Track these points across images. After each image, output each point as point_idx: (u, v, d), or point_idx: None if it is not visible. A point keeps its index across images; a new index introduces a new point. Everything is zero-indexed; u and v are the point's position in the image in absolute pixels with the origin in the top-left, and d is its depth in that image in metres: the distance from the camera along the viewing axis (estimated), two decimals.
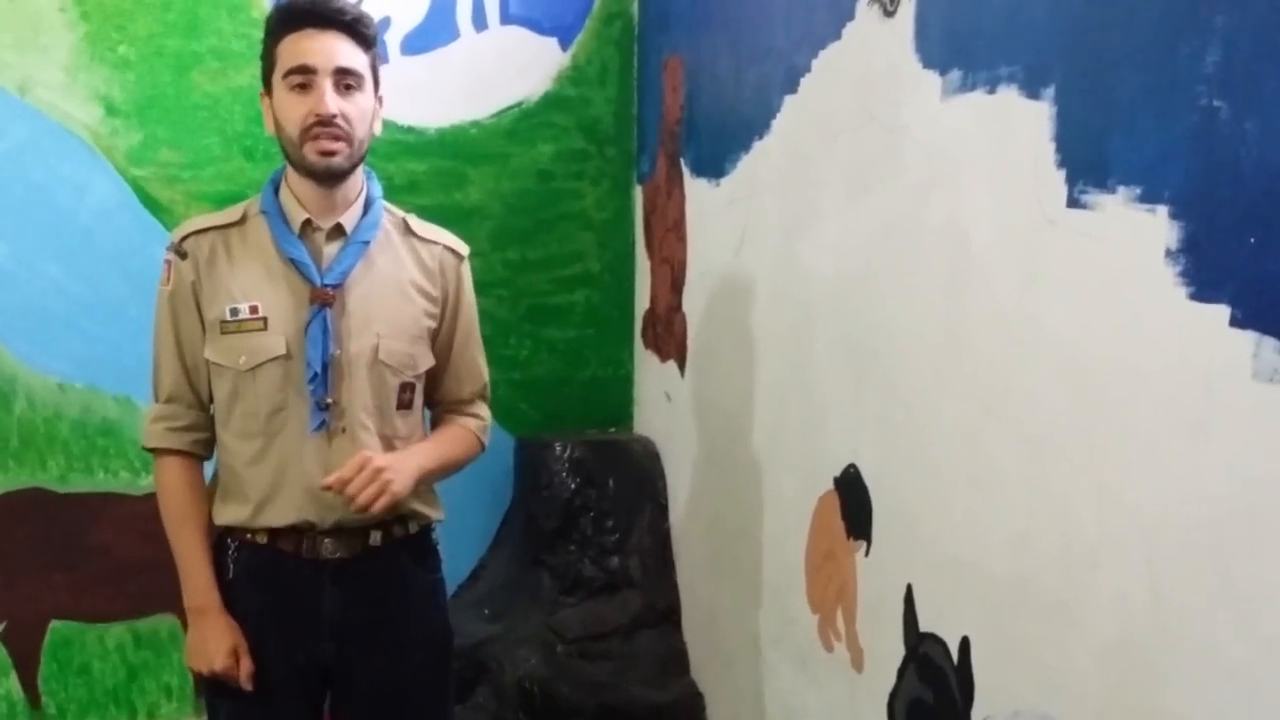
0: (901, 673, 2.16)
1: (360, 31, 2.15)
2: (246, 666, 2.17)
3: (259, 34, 2.21)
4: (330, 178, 2.16)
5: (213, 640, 2.17)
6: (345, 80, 2.12)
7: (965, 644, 1.93)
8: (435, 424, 2.43)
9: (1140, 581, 1.50)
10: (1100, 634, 1.59)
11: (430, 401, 2.41)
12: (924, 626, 2.08)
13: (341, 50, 2.12)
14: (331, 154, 2.12)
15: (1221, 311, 1.35)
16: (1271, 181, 1.28)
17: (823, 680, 2.51)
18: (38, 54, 3.19)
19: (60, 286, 3.26)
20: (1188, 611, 1.42)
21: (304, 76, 2.10)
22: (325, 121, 2.09)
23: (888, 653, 2.20)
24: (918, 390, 2.08)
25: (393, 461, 2.15)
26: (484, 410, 2.47)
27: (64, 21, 3.20)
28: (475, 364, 2.44)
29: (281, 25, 2.14)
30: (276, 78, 2.14)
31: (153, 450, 2.25)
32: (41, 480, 3.29)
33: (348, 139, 2.13)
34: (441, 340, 2.35)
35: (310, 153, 2.11)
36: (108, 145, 3.27)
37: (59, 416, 3.29)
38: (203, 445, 2.26)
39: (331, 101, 2.09)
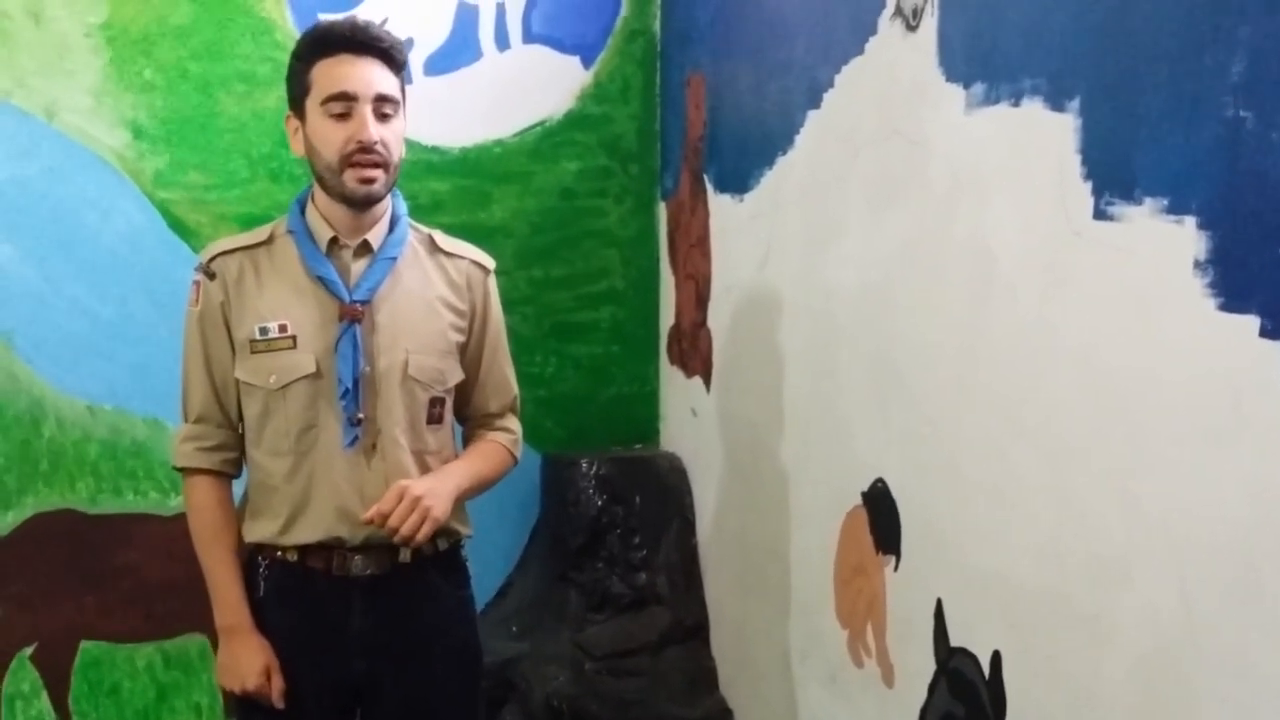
0: (932, 688, 2.15)
1: (395, 58, 2.18)
2: (278, 685, 2.18)
3: (283, 57, 2.22)
4: (367, 204, 2.18)
5: (245, 659, 2.18)
6: (383, 107, 2.14)
7: (996, 658, 1.92)
8: (467, 439, 2.44)
9: (1171, 593, 1.49)
10: (1132, 647, 1.58)
11: (460, 416, 2.42)
12: (955, 641, 2.07)
13: (380, 77, 2.14)
14: (371, 181, 2.13)
15: (1251, 322, 1.35)
16: None
17: (853, 696, 2.50)
18: (64, 79, 3.21)
19: (88, 309, 3.27)
20: (1219, 623, 1.41)
21: (345, 104, 2.11)
22: (367, 148, 2.11)
23: (918, 668, 2.19)
24: (944, 404, 2.08)
25: (431, 487, 2.16)
26: (514, 423, 2.47)
27: (90, 46, 3.22)
28: (504, 377, 2.44)
29: (317, 50, 2.15)
30: (312, 103, 2.15)
31: (182, 470, 2.27)
32: (71, 502, 3.30)
33: (386, 165, 2.15)
34: (470, 354, 2.36)
35: (350, 180, 2.13)
36: (134, 169, 3.29)
37: (88, 438, 3.30)
38: (232, 464, 2.28)
39: (374, 129, 2.11)
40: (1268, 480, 1.33)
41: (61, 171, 3.23)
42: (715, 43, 3.29)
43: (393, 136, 2.16)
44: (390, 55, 2.16)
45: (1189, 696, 1.47)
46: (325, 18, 2.41)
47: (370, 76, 2.13)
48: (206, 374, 2.23)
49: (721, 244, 3.30)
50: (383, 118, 2.14)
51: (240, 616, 2.21)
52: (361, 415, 2.18)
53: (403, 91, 2.21)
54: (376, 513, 2.09)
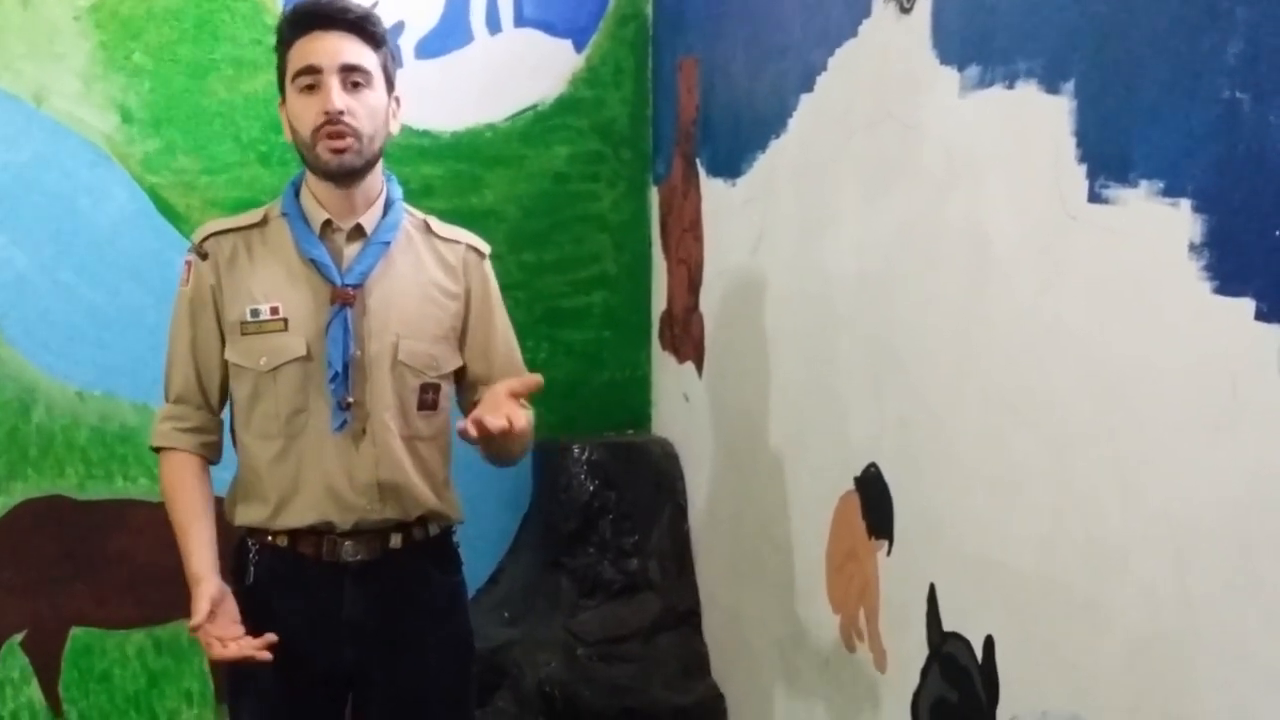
0: (925, 673, 2.15)
1: (367, 29, 2.15)
2: (261, 642, 2.06)
3: (273, 40, 2.21)
4: (345, 176, 2.15)
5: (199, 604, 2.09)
6: (352, 77, 2.12)
7: (989, 643, 1.92)
8: None
9: (1168, 579, 1.49)
10: (1128, 632, 1.58)
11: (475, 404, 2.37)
12: (947, 626, 2.07)
13: (347, 48, 2.12)
14: (342, 150, 2.11)
15: (1247, 305, 1.34)
16: None
17: (846, 681, 2.50)
18: (53, 63, 3.19)
19: (78, 294, 3.26)
20: (1217, 609, 1.41)
21: (311, 77, 2.10)
22: (333, 119, 2.09)
23: (911, 653, 2.19)
24: (938, 388, 2.07)
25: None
26: None
27: (79, 30, 3.21)
28: (518, 360, 2.41)
29: (290, 31, 2.15)
30: (287, 82, 2.15)
31: (159, 449, 2.25)
32: (60, 488, 3.29)
33: (356, 135, 2.12)
34: (480, 343, 2.33)
35: (323, 152, 2.11)
36: (124, 153, 3.27)
37: (77, 424, 3.29)
38: (209, 448, 2.26)
39: (338, 98, 2.09)
40: (1264, 464, 1.33)
41: (51, 156, 3.22)
42: (707, 26, 3.28)
43: (364, 108, 2.13)
44: (360, 26, 2.14)
45: (1186, 682, 1.47)
46: None
47: (334, 48, 2.11)
48: (190, 355, 2.22)
49: (714, 228, 3.29)
50: (353, 87, 2.12)
51: (201, 567, 2.12)
52: (351, 399, 2.16)
53: (386, 68, 2.19)
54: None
